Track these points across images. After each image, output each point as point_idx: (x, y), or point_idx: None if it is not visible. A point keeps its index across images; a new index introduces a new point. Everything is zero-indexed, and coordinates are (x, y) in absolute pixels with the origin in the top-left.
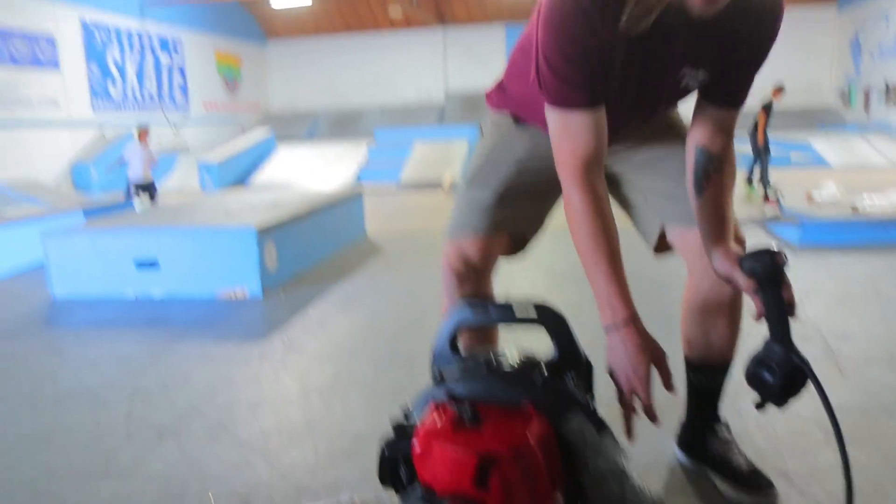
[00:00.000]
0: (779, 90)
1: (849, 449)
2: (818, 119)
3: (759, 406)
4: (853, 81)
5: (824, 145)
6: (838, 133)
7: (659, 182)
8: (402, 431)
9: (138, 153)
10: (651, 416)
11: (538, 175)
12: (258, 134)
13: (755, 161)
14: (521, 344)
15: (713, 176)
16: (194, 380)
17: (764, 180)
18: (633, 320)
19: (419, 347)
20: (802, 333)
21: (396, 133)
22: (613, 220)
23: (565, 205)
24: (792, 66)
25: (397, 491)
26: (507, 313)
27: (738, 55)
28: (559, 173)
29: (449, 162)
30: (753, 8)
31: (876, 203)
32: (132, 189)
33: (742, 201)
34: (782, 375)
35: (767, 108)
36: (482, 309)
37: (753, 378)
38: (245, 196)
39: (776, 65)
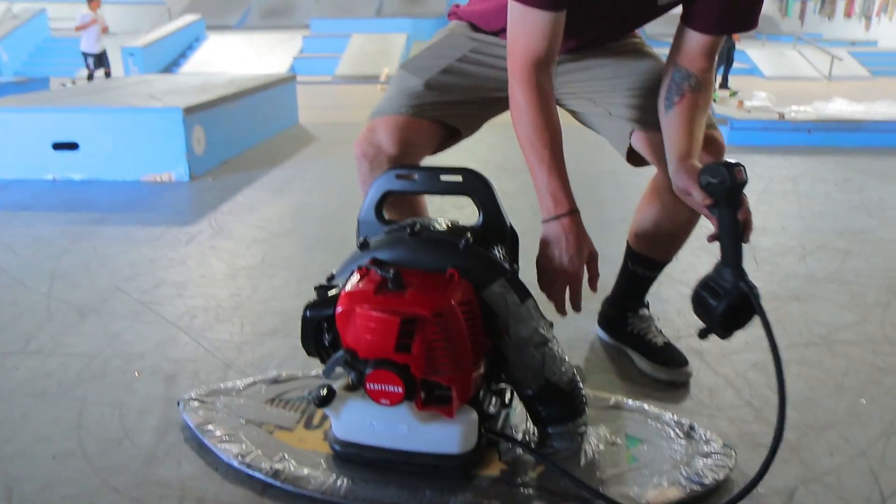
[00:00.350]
0: None
1: (760, 331)
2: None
3: (703, 335)
4: None
5: (759, 54)
6: (773, 43)
7: (622, 96)
8: (326, 295)
9: (89, 22)
10: (576, 305)
11: (478, 79)
12: (187, 19)
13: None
14: (447, 214)
15: (687, 94)
16: (117, 261)
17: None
18: (575, 213)
19: (349, 231)
20: None
21: (333, 24)
22: (557, 116)
23: (510, 100)
24: None
25: (322, 360)
26: (433, 178)
27: None
28: (508, 67)
29: (387, 56)
30: None
31: (800, 110)
32: (87, 62)
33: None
34: (727, 302)
35: None
36: (408, 175)
37: (698, 302)
38: (171, 79)
39: None
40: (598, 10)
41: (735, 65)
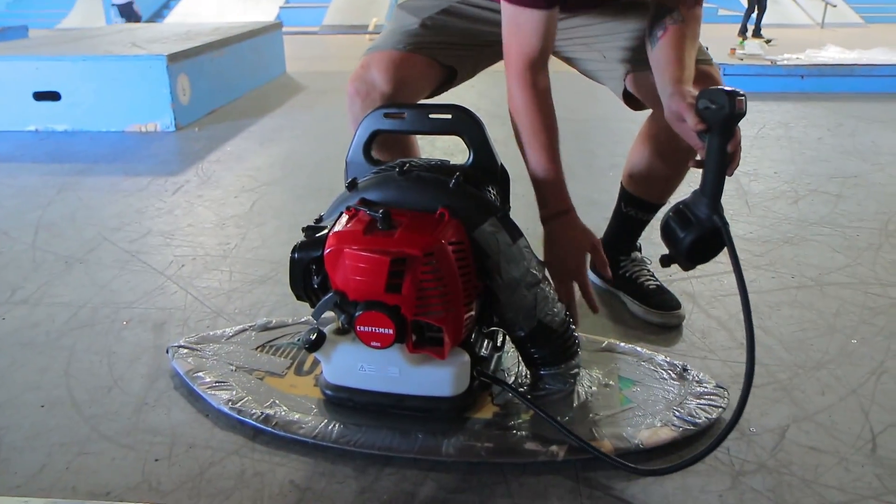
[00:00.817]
0: None
1: (751, 274)
2: None
3: (665, 262)
4: None
5: None
6: None
7: (617, 39)
8: (314, 236)
9: None
10: (591, 303)
11: (476, 22)
12: None
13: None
14: (438, 153)
15: (670, 27)
16: (103, 211)
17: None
18: (572, 211)
19: (339, 179)
20: None
21: None
22: (555, 116)
23: (509, 100)
24: None
25: (311, 304)
26: (422, 117)
27: None
28: (506, 67)
29: (375, 6)
30: None
31: (793, 56)
32: (115, 11)
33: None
34: (697, 234)
35: None
36: (397, 114)
37: (667, 229)
38: (155, 28)
39: None
40: None
41: (724, 12)
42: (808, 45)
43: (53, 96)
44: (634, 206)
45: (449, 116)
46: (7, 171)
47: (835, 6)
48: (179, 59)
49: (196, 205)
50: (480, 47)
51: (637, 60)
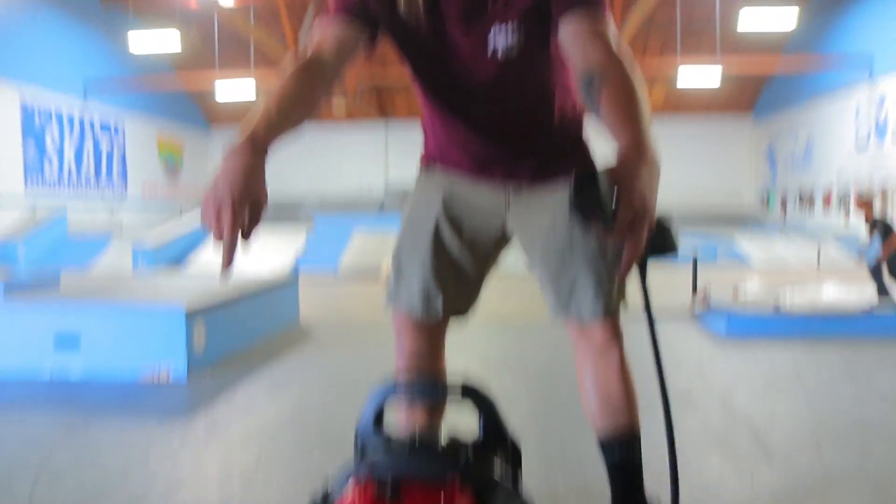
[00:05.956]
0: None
1: None
2: (741, 222)
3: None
4: (770, 188)
5: (748, 244)
6: (759, 233)
7: (550, 275)
8: None
9: None
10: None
11: (463, 222)
12: (195, 217)
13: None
14: (453, 422)
15: (604, 90)
16: (107, 460)
17: None
18: (253, 142)
19: (347, 432)
20: (729, 422)
21: (336, 220)
22: (313, 91)
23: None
24: (716, 172)
25: None
26: (434, 393)
27: None
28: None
29: (388, 251)
30: None
31: (795, 299)
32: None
33: None
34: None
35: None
36: (409, 388)
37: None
38: (176, 278)
39: (700, 171)
40: (446, 81)
41: (722, 250)
42: (807, 282)
43: (74, 340)
44: (615, 448)
45: (459, 396)
46: (18, 417)
47: (827, 248)
48: (197, 310)
49: (202, 455)
50: (478, 246)
51: (559, 308)
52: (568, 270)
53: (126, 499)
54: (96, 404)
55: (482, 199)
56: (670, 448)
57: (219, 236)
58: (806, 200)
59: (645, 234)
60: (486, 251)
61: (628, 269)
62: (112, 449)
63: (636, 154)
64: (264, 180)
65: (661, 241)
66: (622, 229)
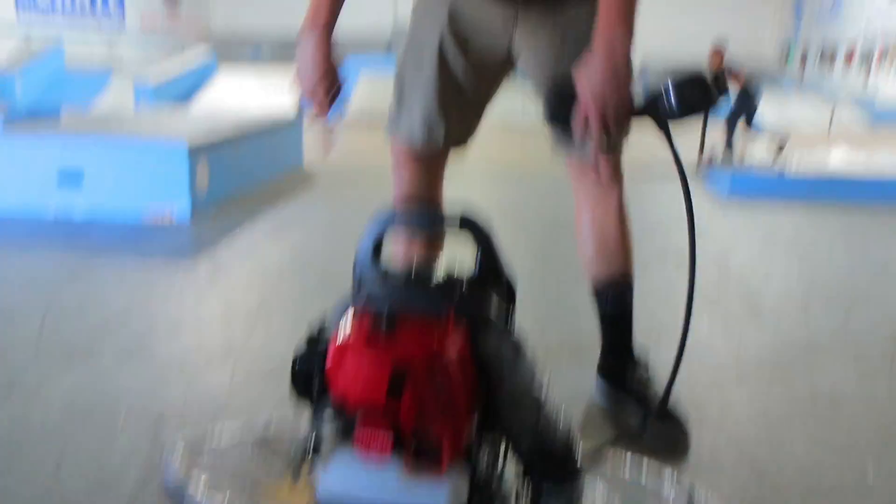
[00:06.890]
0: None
1: (763, 387)
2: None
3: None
4: (792, 42)
5: (760, 102)
6: (774, 91)
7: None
8: (316, 345)
9: None
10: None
11: (468, 39)
12: (198, 54)
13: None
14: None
15: None
16: (111, 300)
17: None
18: (326, 28)
19: (348, 275)
20: (724, 282)
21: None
22: None
23: None
24: (737, 20)
25: (311, 408)
26: (432, 223)
27: None
28: None
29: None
30: None
31: (803, 162)
32: None
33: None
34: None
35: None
36: (407, 217)
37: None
38: (180, 116)
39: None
40: None
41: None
42: (815, 146)
43: (77, 175)
44: (609, 296)
45: (457, 226)
46: (21, 256)
47: (842, 110)
48: (201, 146)
49: (204, 296)
50: (483, 69)
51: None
52: None
53: (130, 338)
54: (100, 244)
55: (490, 13)
56: (686, 320)
57: (321, 112)
58: (827, 57)
59: (601, 128)
60: (491, 74)
61: (597, 153)
62: (115, 289)
63: (600, 57)
64: (336, 58)
65: (695, 98)
66: (579, 129)
